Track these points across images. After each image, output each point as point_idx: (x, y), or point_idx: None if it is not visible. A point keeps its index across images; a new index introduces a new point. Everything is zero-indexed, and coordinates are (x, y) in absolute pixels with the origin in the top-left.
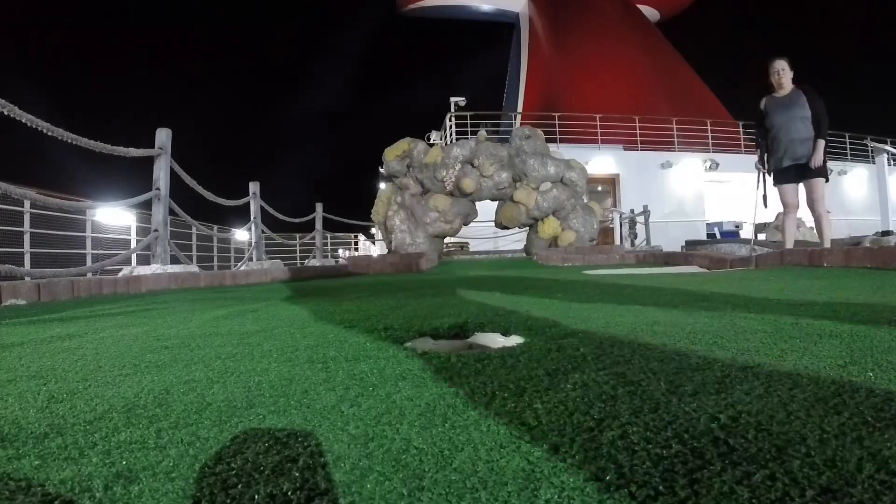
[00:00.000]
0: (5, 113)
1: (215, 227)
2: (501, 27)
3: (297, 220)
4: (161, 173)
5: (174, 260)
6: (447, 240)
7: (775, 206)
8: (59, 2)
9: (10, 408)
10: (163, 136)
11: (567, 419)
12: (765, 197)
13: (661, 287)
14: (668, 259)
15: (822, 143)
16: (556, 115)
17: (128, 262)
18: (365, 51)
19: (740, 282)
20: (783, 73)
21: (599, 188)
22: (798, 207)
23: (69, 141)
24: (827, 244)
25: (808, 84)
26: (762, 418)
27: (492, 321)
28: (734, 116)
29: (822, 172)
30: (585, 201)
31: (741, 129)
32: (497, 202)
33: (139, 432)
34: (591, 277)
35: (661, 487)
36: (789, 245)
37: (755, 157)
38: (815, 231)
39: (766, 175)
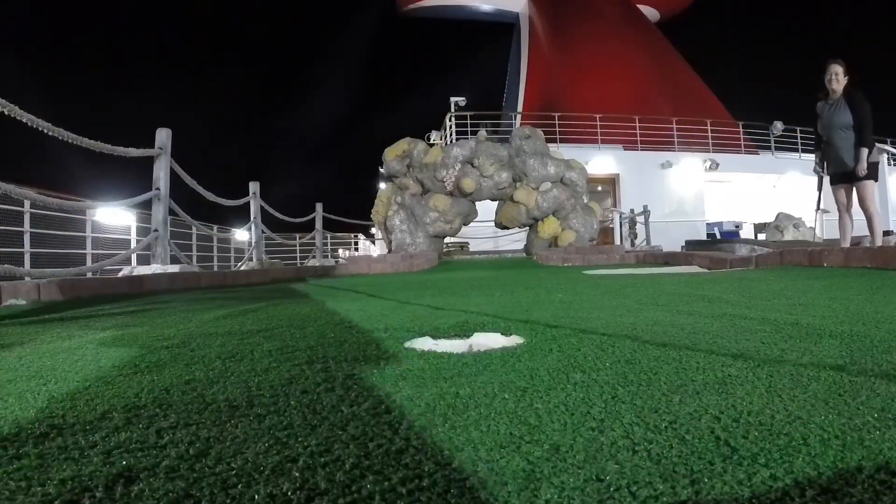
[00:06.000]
0: (5, 113)
1: (215, 227)
2: (501, 27)
3: (297, 220)
4: (161, 173)
5: (174, 260)
6: (447, 240)
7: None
8: (60, 2)
9: (10, 408)
10: (163, 136)
11: (568, 419)
12: (819, 199)
13: (661, 287)
14: (668, 259)
15: (864, 151)
16: (556, 115)
17: (128, 262)
18: (365, 51)
19: (740, 282)
20: (835, 79)
21: (599, 188)
22: (850, 207)
23: (69, 141)
24: (878, 242)
25: (858, 90)
26: (763, 418)
27: (492, 321)
28: (734, 116)
29: (871, 174)
30: (585, 201)
31: (741, 129)
32: (497, 202)
33: (139, 432)
34: (591, 277)
35: (661, 488)
36: (845, 244)
37: (759, 158)
38: (816, 231)
39: (824, 177)
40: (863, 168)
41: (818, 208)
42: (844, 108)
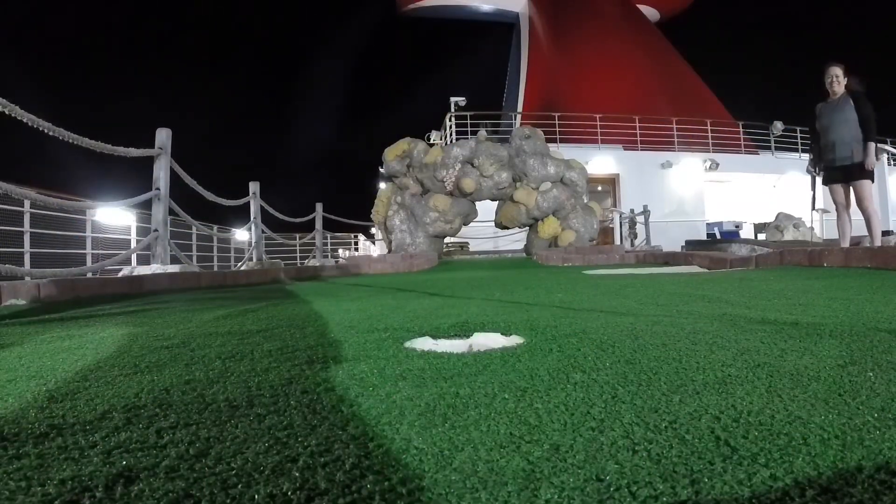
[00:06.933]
0: (5, 113)
1: (215, 227)
2: (501, 27)
3: (297, 220)
4: (161, 173)
5: (174, 260)
6: (447, 240)
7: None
8: (60, 2)
9: (10, 408)
10: (163, 136)
11: (568, 419)
12: (813, 199)
13: (661, 287)
14: (668, 259)
15: (871, 145)
16: (556, 115)
17: (128, 262)
18: (365, 51)
19: (740, 282)
20: (835, 81)
21: (599, 188)
22: (848, 206)
23: (70, 141)
24: (877, 242)
25: (860, 90)
26: (763, 418)
27: (492, 321)
28: (734, 116)
29: (868, 174)
30: (585, 201)
31: (741, 129)
32: (497, 202)
33: (139, 432)
34: (591, 277)
35: (661, 488)
36: (845, 243)
37: (759, 158)
38: (815, 231)
39: (816, 177)
40: (871, 161)
41: (814, 207)
42: (848, 105)
